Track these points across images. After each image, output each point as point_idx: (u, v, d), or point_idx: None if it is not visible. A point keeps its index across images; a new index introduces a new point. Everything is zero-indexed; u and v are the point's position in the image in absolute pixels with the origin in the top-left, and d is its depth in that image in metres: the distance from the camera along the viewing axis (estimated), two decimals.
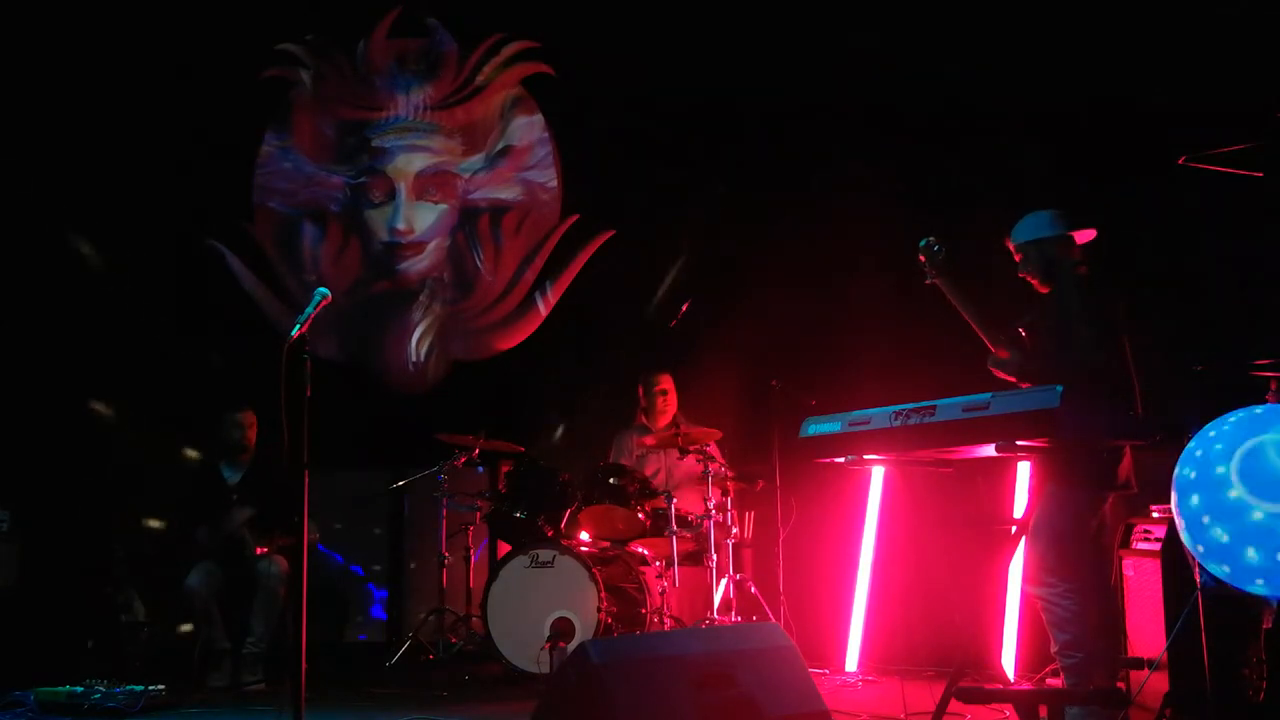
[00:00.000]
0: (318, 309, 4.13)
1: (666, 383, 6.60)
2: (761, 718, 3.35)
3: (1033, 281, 4.41)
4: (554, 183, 7.71)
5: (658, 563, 6.01)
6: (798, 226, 6.83)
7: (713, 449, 6.32)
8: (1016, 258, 4.42)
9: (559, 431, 7.46)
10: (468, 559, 6.52)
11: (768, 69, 7.05)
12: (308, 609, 3.90)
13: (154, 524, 7.23)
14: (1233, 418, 3.32)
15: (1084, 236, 4.38)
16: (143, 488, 7.26)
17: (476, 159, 7.77)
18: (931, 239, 4.37)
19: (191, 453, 7.35)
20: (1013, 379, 4.30)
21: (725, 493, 6.21)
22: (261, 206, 7.87)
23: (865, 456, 4.15)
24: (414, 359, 7.74)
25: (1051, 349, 4.20)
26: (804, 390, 6.15)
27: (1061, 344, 4.16)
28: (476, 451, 6.41)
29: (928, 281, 4.39)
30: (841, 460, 4.16)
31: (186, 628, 6.49)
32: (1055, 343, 4.19)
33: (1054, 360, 4.14)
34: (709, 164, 7.22)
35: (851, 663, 6.08)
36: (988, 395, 3.72)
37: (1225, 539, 3.19)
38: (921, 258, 4.38)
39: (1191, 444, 3.36)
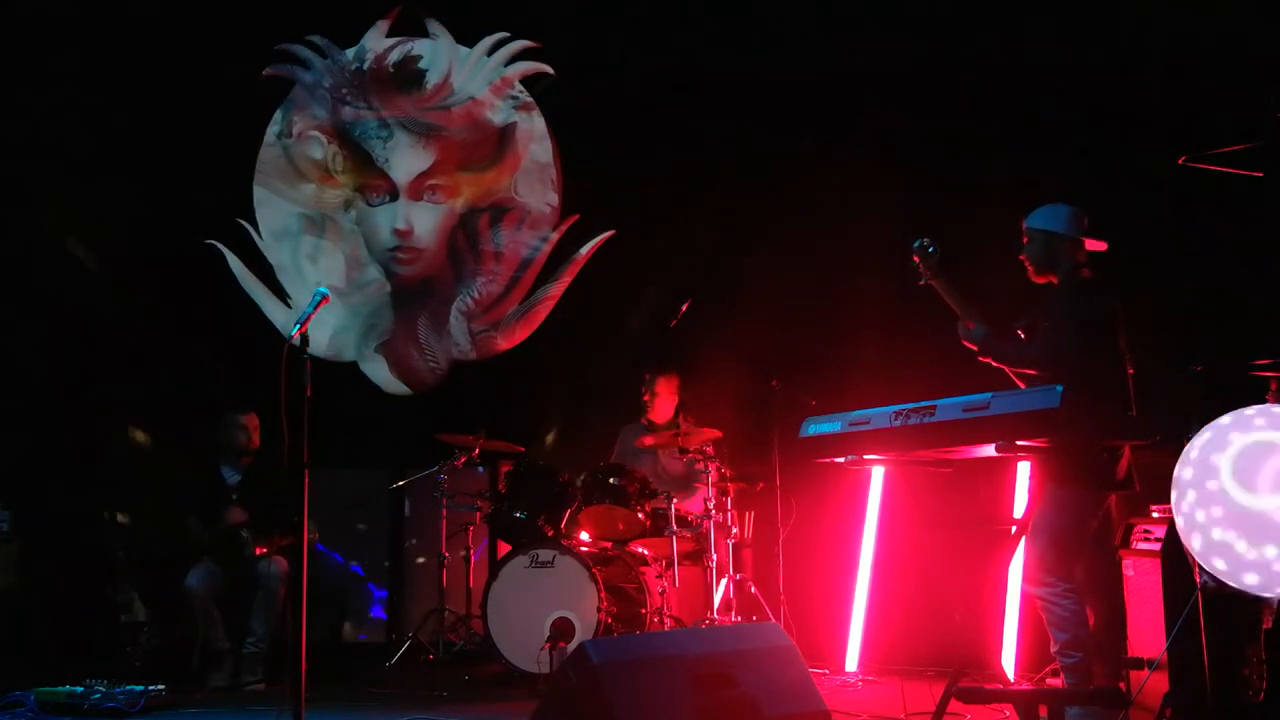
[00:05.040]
0: (317, 309, 4.14)
1: (660, 386, 6.58)
2: (761, 718, 3.35)
3: (1027, 266, 4.41)
4: (554, 183, 7.71)
5: (658, 563, 6.01)
6: (798, 226, 6.82)
7: (708, 450, 6.31)
8: (1024, 239, 4.42)
9: (559, 431, 7.46)
10: (468, 559, 6.52)
11: (769, 69, 7.04)
12: (308, 609, 3.91)
13: (154, 524, 7.23)
14: (1229, 419, 3.33)
15: (1094, 245, 4.37)
16: (143, 487, 7.26)
17: (476, 159, 7.77)
18: (925, 240, 4.34)
19: (191, 453, 7.36)
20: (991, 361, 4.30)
21: (724, 493, 6.21)
22: (261, 205, 7.87)
23: (865, 456, 4.16)
24: (414, 359, 7.73)
25: (1048, 349, 4.20)
26: (804, 390, 6.14)
27: (1058, 344, 4.17)
28: (476, 451, 6.41)
29: (921, 283, 4.37)
30: (841, 460, 4.16)
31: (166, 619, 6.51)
32: (1052, 343, 4.20)
33: (1050, 360, 4.14)
34: (710, 164, 7.21)
35: (851, 663, 6.08)
36: (988, 395, 3.72)
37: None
38: (915, 258, 4.36)
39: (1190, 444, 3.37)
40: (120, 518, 7.13)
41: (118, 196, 7.41)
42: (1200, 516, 3.26)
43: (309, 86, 7.88)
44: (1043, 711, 3.67)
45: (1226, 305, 5.60)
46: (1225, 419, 3.33)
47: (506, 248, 7.71)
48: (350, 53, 7.87)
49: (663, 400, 6.58)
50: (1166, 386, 4.53)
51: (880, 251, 6.28)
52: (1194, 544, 3.29)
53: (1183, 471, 3.35)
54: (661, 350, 6.90)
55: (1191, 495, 3.29)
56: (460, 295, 7.72)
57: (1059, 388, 3.57)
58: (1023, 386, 4.20)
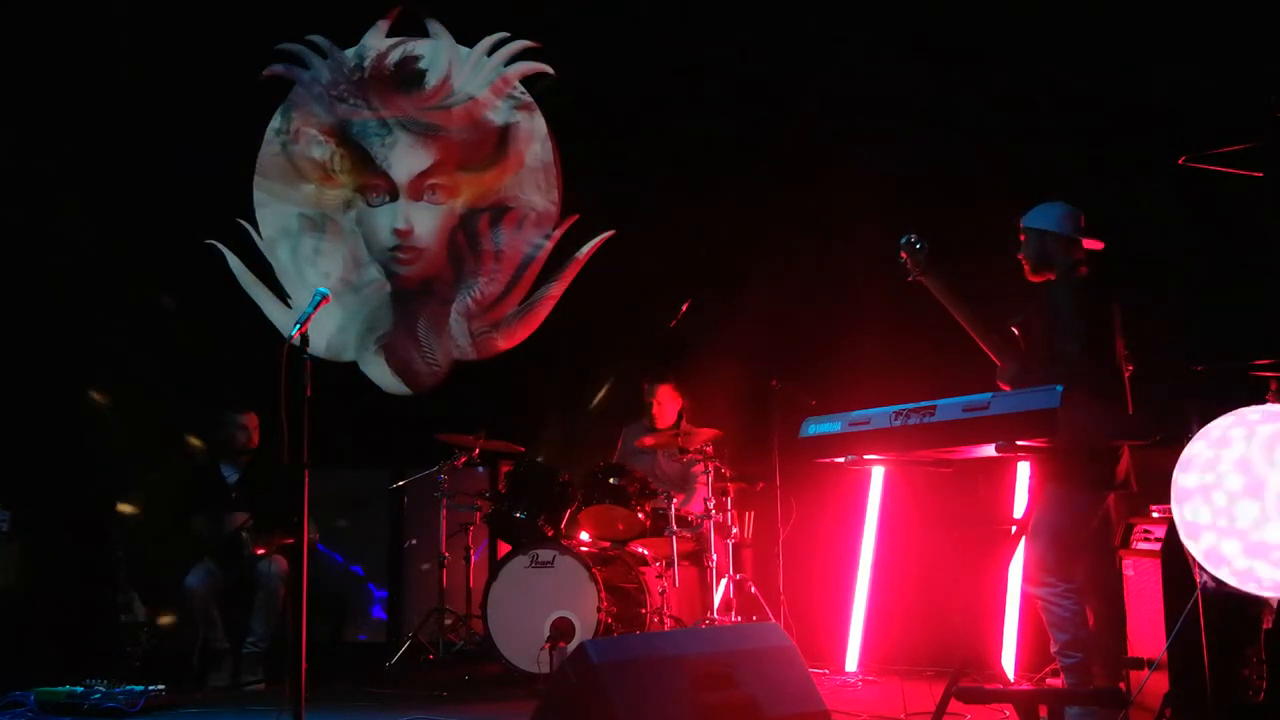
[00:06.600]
0: (317, 309, 4.14)
1: (662, 394, 6.56)
2: (761, 718, 3.35)
3: (1024, 265, 4.41)
4: (554, 183, 7.71)
5: (658, 563, 6.01)
6: (798, 226, 6.82)
7: (708, 450, 6.30)
8: (1021, 237, 4.42)
9: (559, 431, 7.45)
10: (468, 559, 6.52)
11: (769, 70, 7.05)
12: (308, 609, 3.91)
13: (153, 524, 7.23)
14: (1229, 418, 3.32)
15: (1090, 245, 4.37)
16: (144, 487, 7.26)
17: (476, 159, 7.76)
18: (912, 236, 4.33)
19: (191, 450, 7.36)
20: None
21: (724, 493, 6.21)
22: (262, 205, 7.87)
23: (865, 456, 4.15)
24: (414, 359, 7.73)
25: (1045, 348, 4.20)
26: (804, 390, 6.14)
27: (1055, 343, 4.17)
28: (476, 451, 6.41)
29: (910, 279, 4.37)
30: (841, 460, 4.16)
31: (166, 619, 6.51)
32: (1048, 342, 4.20)
33: (1047, 360, 4.14)
34: (710, 164, 7.21)
35: (851, 663, 6.08)
36: (988, 395, 3.72)
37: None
38: (903, 254, 4.35)
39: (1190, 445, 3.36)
40: (122, 513, 7.14)
41: (117, 196, 7.41)
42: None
43: (309, 86, 7.88)
44: (1043, 711, 3.67)
45: (1226, 305, 5.60)
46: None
47: (506, 248, 7.71)
48: (350, 53, 7.87)
49: (663, 408, 6.57)
50: (1166, 386, 4.53)
51: (880, 251, 6.26)
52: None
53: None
54: (659, 356, 6.90)
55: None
56: (460, 295, 7.72)
57: (1059, 388, 3.57)
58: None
